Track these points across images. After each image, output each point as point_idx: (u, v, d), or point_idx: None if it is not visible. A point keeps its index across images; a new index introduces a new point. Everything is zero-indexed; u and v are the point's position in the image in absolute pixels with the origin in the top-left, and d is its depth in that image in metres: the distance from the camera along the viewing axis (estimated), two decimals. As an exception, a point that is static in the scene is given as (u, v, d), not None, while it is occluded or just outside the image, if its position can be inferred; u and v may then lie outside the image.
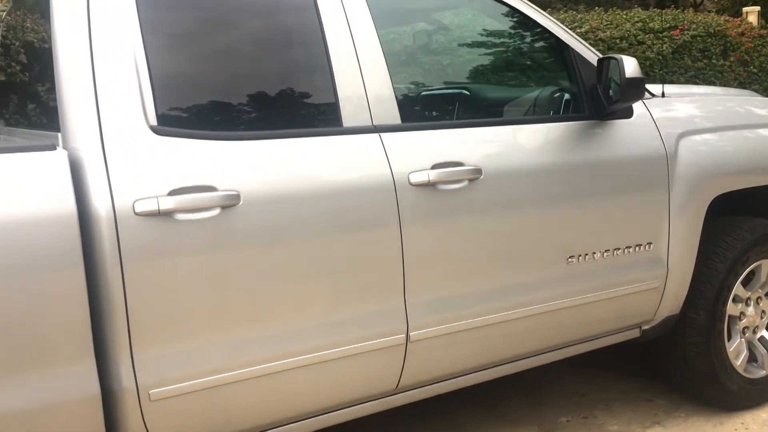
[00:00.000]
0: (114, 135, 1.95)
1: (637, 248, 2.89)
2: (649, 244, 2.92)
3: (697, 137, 3.02)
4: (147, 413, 1.99)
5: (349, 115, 2.32)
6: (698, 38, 8.29)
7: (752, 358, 3.38)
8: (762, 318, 3.39)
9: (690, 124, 3.04)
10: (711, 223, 3.23)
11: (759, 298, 3.36)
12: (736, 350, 3.26)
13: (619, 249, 2.84)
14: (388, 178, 2.31)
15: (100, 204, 1.90)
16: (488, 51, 2.91)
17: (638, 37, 7.92)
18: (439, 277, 2.44)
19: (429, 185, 2.38)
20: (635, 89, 2.62)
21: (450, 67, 3.03)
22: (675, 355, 3.23)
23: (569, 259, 2.72)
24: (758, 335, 3.39)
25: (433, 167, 2.40)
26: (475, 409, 3.50)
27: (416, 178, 2.35)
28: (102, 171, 1.92)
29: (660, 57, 7.94)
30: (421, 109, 2.76)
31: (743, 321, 3.31)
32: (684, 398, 3.44)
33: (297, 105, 2.35)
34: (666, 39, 8.07)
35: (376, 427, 3.31)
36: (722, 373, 3.20)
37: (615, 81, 2.68)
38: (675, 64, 8.16)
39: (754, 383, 3.34)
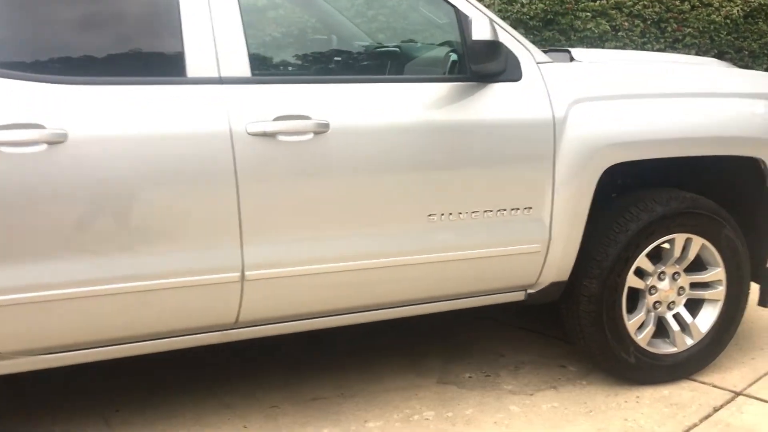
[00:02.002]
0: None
1: (513, 211, 2.90)
2: (528, 208, 2.92)
3: (593, 104, 2.95)
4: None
5: (194, 66, 2.49)
6: (778, 1, 7.70)
7: (665, 334, 3.31)
8: (680, 294, 3.30)
9: (588, 90, 2.97)
10: (620, 193, 3.22)
11: (676, 273, 3.26)
12: (637, 323, 3.21)
13: (490, 211, 2.87)
14: (225, 128, 2.48)
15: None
16: (369, 7, 2.97)
17: (705, -1, 7.46)
18: (279, 222, 2.59)
19: (267, 136, 2.52)
20: (484, 52, 2.61)
21: (322, 21, 3.09)
22: (572, 322, 3.23)
23: (430, 217, 2.79)
24: (674, 311, 3.31)
25: (276, 119, 2.54)
26: (391, 354, 3.65)
27: (254, 128, 2.51)
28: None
29: (728, 21, 7.44)
30: (279, 63, 2.88)
31: (654, 295, 3.24)
32: (595, 368, 3.42)
33: (139, 52, 2.54)
34: (738, 1, 7.54)
35: (290, 357, 3.56)
36: (617, 344, 3.16)
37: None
38: (747, 29, 7.63)
39: (660, 359, 3.27)
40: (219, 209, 2.51)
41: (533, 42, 6.46)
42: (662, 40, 7.24)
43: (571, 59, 3.25)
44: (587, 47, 6.77)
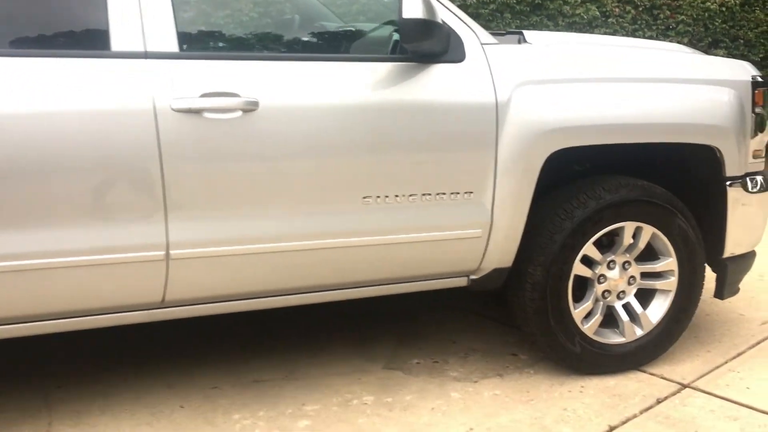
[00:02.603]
0: None
1: (453, 196, 2.85)
2: (469, 193, 2.86)
3: (538, 87, 2.88)
4: None
5: (119, 39, 2.45)
6: (777, -11, 7.54)
7: (615, 324, 3.25)
8: (630, 284, 3.23)
9: (533, 73, 2.90)
10: (570, 179, 3.16)
11: (627, 262, 3.20)
12: (584, 312, 3.15)
13: (428, 194, 2.81)
14: (148, 104, 2.44)
15: None
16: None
17: (701, -14, 7.32)
18: (205, 201, 2.55)
19: (193, 112, 2.48)
20: (416, 31, 2.54)
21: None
22: (518, 309, 3.18)
23: (365, 199, 2.74)
24: (624, 301, 3.25)
25: (203, 96, 2.50)
26: (342, 337, 3.63)
27: (178, 104, 2.47)
28: None
29: (723, 9, 7.30)
30: (210, 38, 2.82)
31: (603, 284, 3.18)
32: (545, 357, 3.37)
33: (63, 24, 2.47)
34: (737, -12, 7.39)
35: (238, 337, 3.53)
36: (561, 333, 3.11)
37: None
38: (743, 18, 7.48)
39: (608, 349, 3.21)
40: (142, 186, 2.48)
41: (521, 27, 6.39)
42: (654, 27, 7.12)
43: (519, 42, 3.17)
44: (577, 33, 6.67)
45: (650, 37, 7.06)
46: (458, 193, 2.86)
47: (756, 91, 3.27)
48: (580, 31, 6.70)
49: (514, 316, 3.26)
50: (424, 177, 2.80)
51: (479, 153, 2.84)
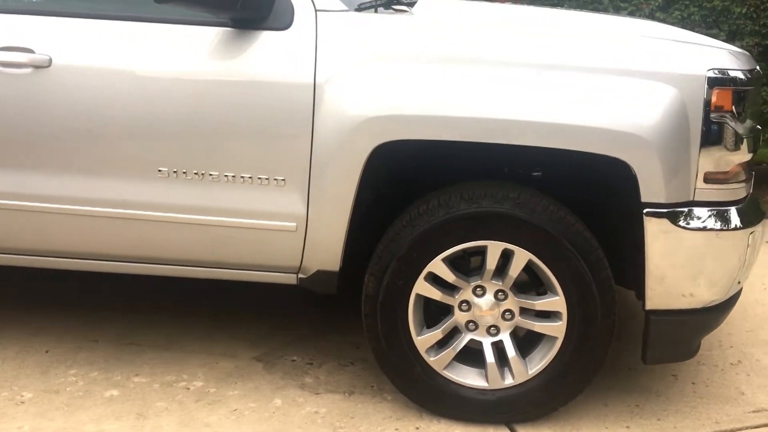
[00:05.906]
0: None
1: (261, 180, 2.54)
2: (281, 180, 2.53)
3: (369, 67, 2.40)
4: None
5: None
6: None
7: (482, 363, 2.66)
8: (506, 319, 2.61)
9: (370, 49, 2.43)
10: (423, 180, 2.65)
11: (501, 291, 2.59)
12: (431, 341, 2.62)
13: (231, 175, 2.55)
14: (-59, 56, 2.55)
15: None
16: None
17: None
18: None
19: (-14, 66, 2.55)
20: None
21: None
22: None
23: (160, 172, 2.57)
24: (497, 338, 2.64)
25: (-1, 49, 2.55)
26: (258, 320, 3.48)
27: (-32, 58, 2.54)
28: None
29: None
30: None
31: (466, 313, 2.61)
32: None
33: None
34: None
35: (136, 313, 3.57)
36: (397, 360, 2.64)
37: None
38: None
39: (461, 392, 2.64)
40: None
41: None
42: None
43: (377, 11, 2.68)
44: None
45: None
46: (267, 178, 2.54)
47: (715, 90, 2.39)
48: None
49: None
50: (227, 156, 2.54)
51: (291, 137, 2.50)
